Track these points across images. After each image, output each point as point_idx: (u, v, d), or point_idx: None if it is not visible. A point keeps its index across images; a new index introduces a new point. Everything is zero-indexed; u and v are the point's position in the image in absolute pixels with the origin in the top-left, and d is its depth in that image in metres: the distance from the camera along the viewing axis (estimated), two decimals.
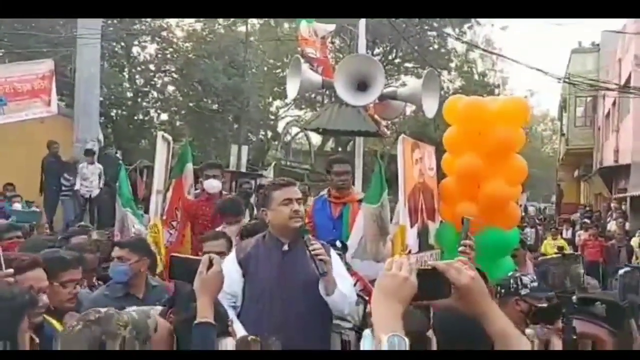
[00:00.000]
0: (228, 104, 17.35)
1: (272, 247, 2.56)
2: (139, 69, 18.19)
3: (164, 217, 4.08)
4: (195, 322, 1.74)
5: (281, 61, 20.29)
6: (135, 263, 2.78)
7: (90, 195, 9.53)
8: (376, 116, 5.50)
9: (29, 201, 8.72)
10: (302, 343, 2.33)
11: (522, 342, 1.17)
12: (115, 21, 14.55)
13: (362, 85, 4.89)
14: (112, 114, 17.22)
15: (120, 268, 2.76)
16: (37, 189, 9.61)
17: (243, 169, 16.53)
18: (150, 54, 17.81)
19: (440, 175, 4.16)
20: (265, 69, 20.79)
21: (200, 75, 16.45)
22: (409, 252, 3.37)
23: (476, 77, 22.17)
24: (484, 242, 3.63)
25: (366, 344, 1.06)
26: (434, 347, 1.75)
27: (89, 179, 9.49)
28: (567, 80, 14.90)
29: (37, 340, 1.78)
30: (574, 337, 1.24)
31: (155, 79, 18.35)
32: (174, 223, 4.18)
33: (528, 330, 2.47)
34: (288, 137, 23.39)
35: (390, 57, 20.89)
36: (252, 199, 8.29)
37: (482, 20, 20.24)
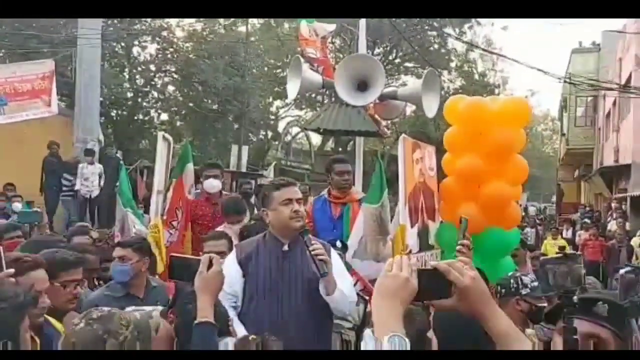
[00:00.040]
0: (228, 104, 17.35)
1: (273, 247, 2.56)
2: (139, 69, 18.20)
3: (165, 217, 4.08)
4: (196, 321, 1.74)
5: (281, 61, 20.29)
6: (136, 263, 2.78)
7: (90, 196, 9.53)
8: (376, 116, 5.50)
9: (29, 201, 8.72)
10: (303, 343, 2.33)
11: (523, 342, 1.17)
12: (115, 21, 14.56)
13: (362, 85, 4.89)
14: (113, 114, 17.24)
15: (122, 268, 2.76)
16: (37, 189, 9.61)
17: (243, 169, 16.54)
18: (151, 54, 17.83)
19: (441, 175, 4.16)
20: (266, 69, 20.79)
21: (200, 76, 16.45)
22: (409, 252, 3.37)
23: (476, 77, 22.16)
24: (484, 242, 3.63)
25: (367, 344, 1.06)
26: (435, 348, 1.75)
27: (89, 179, 9.50)
28: (567, 80, 14.88)
29: (38, 341, 1.78)
30: (575, 337, 1.24)
31: (156, 79, 18.36)
32: (175, 223, 4.19)
33: (528, 330, 2.47)
34: (288, 137, 23.40)
35: (390, 57, 20.89)
36: (253, 199, 8.29)
37: (482, 20, 20.27)
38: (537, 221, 17.28)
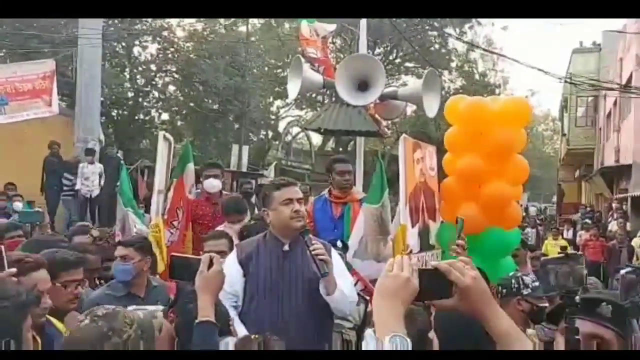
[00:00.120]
0: (229, 103, 17.35)
1: (273, 247, 2.56)
2: (140, 68, 18.21)
3: (166, 217, 4.08)
4: (197, 321, 1.74)
5: (282, 61, 20.29)
6: (138, 262, 2.79)
7: (90, 195, 9.54)
8: (377, 116, 5.51)
9: (30, 201, 8.72)
10: (303, 343, 2.33)
11: (524, 342, 1.17)
12: (116, 21, 14.57)
13: (363, 85, 4.89)
14: (113, 113, 17.25)
15: (124, 267, 2.76)
16: (38, 188, 9.62)
17: (244, 169, 16.54)
18: (152, 54, 17.84)
19: (441, 175, 4.17)
20: (266, 69, 20.79)
21: (201, 75, 16.46)
22: (410, 252, 3.37)
23: (477, 77, 22.16)
24: (485, 242, 3.63)
25: (368, 344, 1.05)
26: (436, 348, 1.75)
27: (90, 179, 9.51)
28: (568, 80, 14.87)
29: (39, 341, 1.78)
30: (577, 337, 1.24)
31: (157, 79, 18.37)
32: (175, 223, 4.19)
33: (529, 331, 2.47)
34: (289, 137, 23.41)
35: (391, 57, 20.89)
36: (253, 199, 8.29)
37: (482, 20, 20.26)
38: (538, 221, 17.28)
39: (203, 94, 17.77)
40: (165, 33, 17.04)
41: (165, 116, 19.62)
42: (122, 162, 9.09)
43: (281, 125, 23.95)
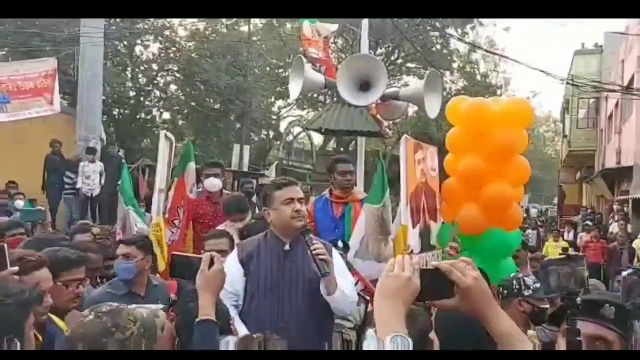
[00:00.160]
0: (230, 103, 17.36)
1: (274, 246, 2.56)
2: (141, 67, 18.23)
3: (167, 216, 4.08)
4: (197, 319, 1.74)
5: (284, 61, 20.29)
6: (140, 260, 2.79)
7: (91, 194, 9.55)
8: (378, 116, 5.51)
9: (31, 199, 8.74)
10: (303, 342, 2.33)
11: (525, 342, 1.17)
12: (118, 20, 14.57)
13: (364, 86, 4.89)
14: (115, 112, 17.26)
15: (127, 265, 2.76)
16: (39, 187, 9.63)
17: (245, 169, 16.55)
18: (153, 53, 17.86)
19: (443, 175, 4.17)
20: (268, 68, 20.79)
21: (202, 75, 16.47)
22: (411, 252, 3.37)
23: (478, 77, 22.14)
24: (485, 243, 3.63)
25: (369, 344, 1.05)
26: (437, 348, 1.75)
27: (91, 177, 9.52)
28: (569, 81, 14.87)
29: (41, 339, 1.78)
30: (578, 338, 1.23)
31: (158, 78, 18.39)
32: (176, 222, 4.19)
33: (529, 332, 2.47)
34: (290, 137, 23.43)
35: (392, 58, 20.88)
36: (254, 199, 8.29)
37: (484, 21, 20.25)
38: (539, 223, 17.26)
39: (204, 93, 17.79)
40: (167, 32, 17.06)
41: (166, 115, 19.67)
42: (123, 160, 9.08)
43: (282, 125, 23.99)
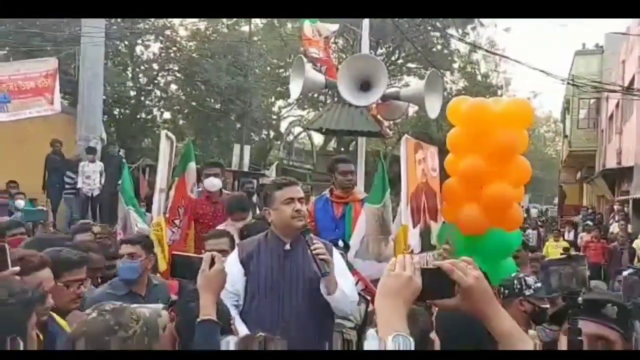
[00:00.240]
0: (231, 103, 17.36)
1: (274, 246, 2.56)
2: (142, 67, 18.23)
3: (167, 216, 4.09)
4: (199, 319, 1.74)
5: (284, 61, 20.29)
6: (144, 260, 2.79)
7: (92, 194, 9.55)
8: (379, 116, 5.51)
9: (32, 199, 8.74)
10: (304, 342, 2.32)
11: (526, 342, 1.17)
12: (119, 20, 14.58)
13: (365, 86, 4.89)
14: (115, 112, 17.27)
15: (132, 265, 2.75)
16: (39, 186, 9.64)
17: (245, 169, 16.55)
18: (154, 53, 17.87)
19: (443, 176, 4.17)
20: (269, 68, 20.79)
21: (203, 75, 16.47)
22: (411, 252, 3.38)
23: (479, 78, 22.14)
24: (486, 243, 3.63)
25: (370, 344, 1.05)
26: (438, 348, 1.75)
27: (91, 177, 9.52)
28: (570, 82, 14.86)
29: (42, 338, 1.78)
30: (580, 338, 1.23)
31: (159, 78, 18.39)
32: (177, 221, 4.20)
33: (530, 332, 2.47)
34: (290, 137, 23.43)
35: (393, 58, 20.88)
36: (255, 198, 8.30)
37: (485, 21, 20.25)
38: (539, 223, 17.25)
39: (205, 93, 17.79)
40: (167, 32, 17.06)
41: (167, 115, 19.67)
42: (123, 160, 9.10)
43: (283, 125, 23.99)
